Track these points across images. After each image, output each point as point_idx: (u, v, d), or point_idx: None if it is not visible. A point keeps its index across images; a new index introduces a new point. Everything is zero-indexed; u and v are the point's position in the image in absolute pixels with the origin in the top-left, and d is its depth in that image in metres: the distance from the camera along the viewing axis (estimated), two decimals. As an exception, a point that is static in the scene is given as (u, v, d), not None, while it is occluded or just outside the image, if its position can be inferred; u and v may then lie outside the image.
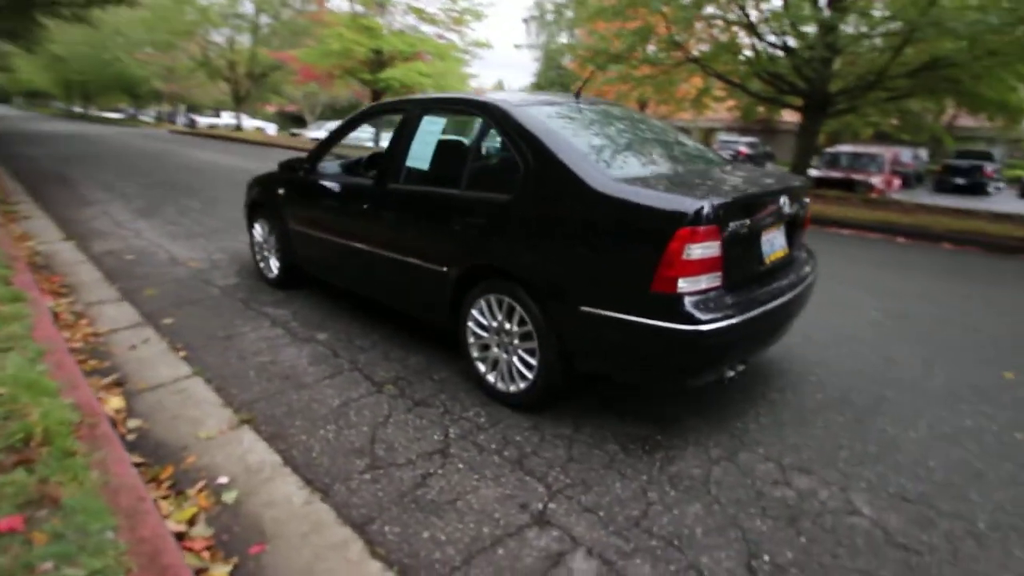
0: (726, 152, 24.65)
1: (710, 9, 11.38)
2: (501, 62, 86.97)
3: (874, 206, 11.07)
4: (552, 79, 37.94)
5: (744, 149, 25.81)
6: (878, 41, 10.40)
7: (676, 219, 2.19)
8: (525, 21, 39.42)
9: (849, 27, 10.43)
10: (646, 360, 2.37)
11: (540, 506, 2.13)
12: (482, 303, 2.82)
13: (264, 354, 3.37)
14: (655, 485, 2.27)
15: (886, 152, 14.16)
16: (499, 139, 2.96)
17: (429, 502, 2.14)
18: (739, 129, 31.28)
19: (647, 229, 2.26)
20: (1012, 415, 2.90)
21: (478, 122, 2.96)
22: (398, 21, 20.27)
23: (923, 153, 21.85)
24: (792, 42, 10.82)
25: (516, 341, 2.72)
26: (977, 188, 18.12)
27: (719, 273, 2.30)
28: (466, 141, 3.48)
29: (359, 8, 20.27)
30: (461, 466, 2.36)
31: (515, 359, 2.74)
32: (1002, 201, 16.86)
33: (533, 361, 2.65)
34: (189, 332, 3.66)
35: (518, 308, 2.65)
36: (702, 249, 2.20)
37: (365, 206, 3.39)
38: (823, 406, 2.91)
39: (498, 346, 2.82)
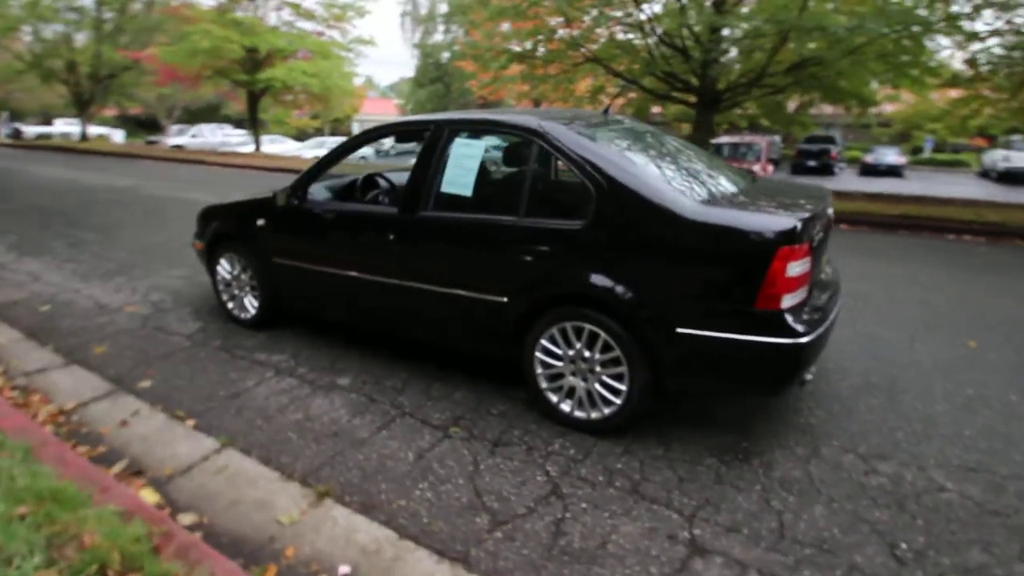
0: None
1: (599, 11, 11.84)
2: (389, 59, 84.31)
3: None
4: (433, 76, 37.49)
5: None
6: (756, 42, 11.50)
7: (777, 239, 2.29)
8: (402, 16, 38.40)
9: (730, 30, 11.43)
10: (747, 374, 2.45)
11: (687, 535, 2.14)
12: (554, 332, 2.75)
13: (291, 410, 3.01)
14: (772, 493, 2.37)
15: (762, 141, 15.74)
16: (543, 163, 2.87)
17: (580, 551, 2.06)
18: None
19: (747, 250, 2.33)
20: (998, 379, 3.39)
21: (529, 146, 2.85)
22: (272, 17, 18.83)
23: (777, 139, 24.61)
24: (683, 43, 11.61)
25: (599, 368, 2.68)
26: (826, 169, 20.83)
27: (807, 286, 2.44)
28: (496, 163, 3.35)
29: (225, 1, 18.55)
30: (584, 505, 2.30)
31: (596, 386, 2.70)
32: (847, 180, 19.58)
33: (621, 386, 2.63)
34: (181, 395, 3.17)
35: (603, 335, 2.61)
36: (800, 266, 2.32)
37: (391, 236, 3.13)
38: (857, 392, 3.20)
39: (574, 374, 2.76)
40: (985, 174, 21.22)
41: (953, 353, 3.77)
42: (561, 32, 12.28)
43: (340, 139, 26.45)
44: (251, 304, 4.03)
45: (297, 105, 22.21)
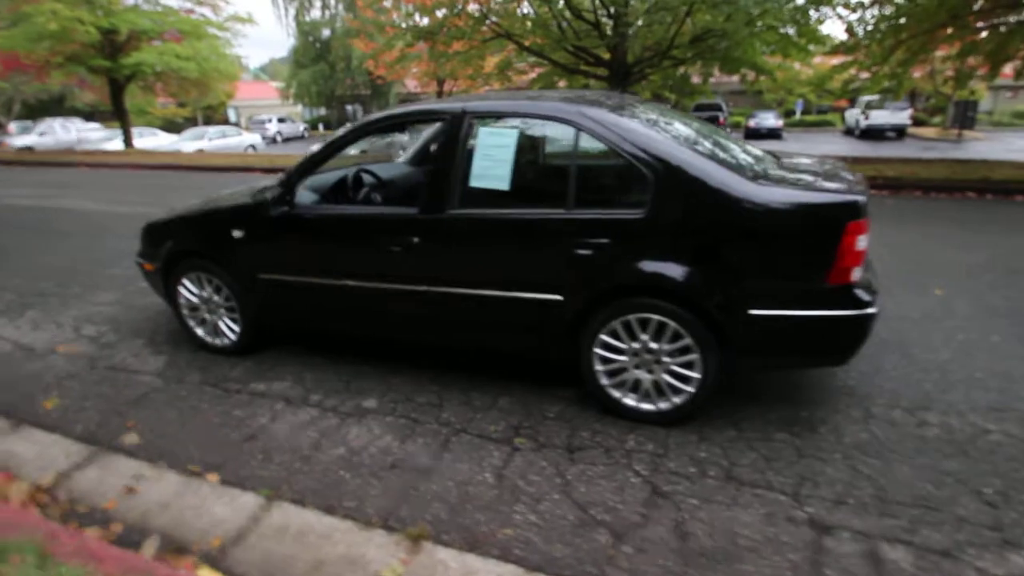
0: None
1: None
2: (260, 39, 77.54)
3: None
4: (315, 56, 35.19)
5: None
6: (661, 15, 11.85)
7: (846, 214, 2.33)
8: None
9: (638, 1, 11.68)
10: (820, 347, 2.50)
11: (802, 514, 2.15)
12: (615, 326, 2.64)
13: (327, 446, 2.68)
14: (854, 459, 2.45)
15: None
16: (586, 151, 2.71)
17: (715, 551, 2.01)
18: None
19: (819, 227, 2.35)
20: (976, 324, 3.76)
21: (568, 134, 2.67)
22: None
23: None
24: (596, 17, 11.71)
25: (667, 358, 2.62)
26: (772, 134, 22.45)
27: (866, 258, 2.52)
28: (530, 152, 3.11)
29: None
30: (693, 501, 2.25)
31: (665, 376, 2.65)
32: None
33: (693, 373, 2.59)
34: (183, 446, 2.72)
35: (671, 324, 2.55)
36: (864, 239, 2.38)
37: (415, 240, 2.84)
38: (877, 350, 3.39)
39: (638, 367, 2.68)
40: (849, 132, 23.72)
41: (929, 302, 4.14)
42: (472, 6, 11.90)
43: (224, 128, 24.25)
44: (228, 328, 3.54)
45: (171, 93, 19.88)
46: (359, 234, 3.03)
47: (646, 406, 2.72)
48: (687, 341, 2.55)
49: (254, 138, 24.51)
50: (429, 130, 4.27)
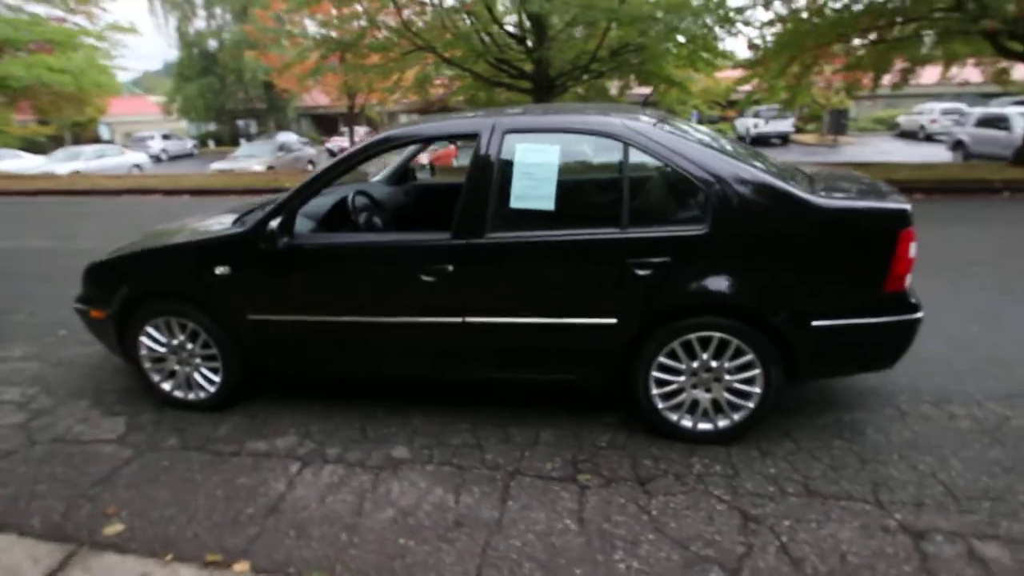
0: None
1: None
2: (140, 51, 70.79)
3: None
4: (201, 68, 32.75)
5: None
6: (585, 29, 12.18)
7: (899, 222, 2.38)
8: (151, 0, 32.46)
9: (558, 16, 11.90)
10: (874, 352, 2.54)
11: (893, 522, 2.15)
12: (674, 346, 2.54)
13: (372, 510, 2.34)
14: (912, 458, 2.50)
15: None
16: (635, 167, 2.58)
17: (833, 573, 1.94)
18: (418, 110, 32.58)
19: (876, 236, 2.39)
20: (961, 312, 4.07)
21: (615, 150, 2.54)
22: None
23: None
24: (523, 31, 11.80)
25: (727, 375, 2.55)
26: None
27: None
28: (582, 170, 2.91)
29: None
30: (787, 522, 2.17)
31: (724, 393, 2.58)
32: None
33: (754, 389, 2.54)
34: (187, 530, 2.27)
35: (734, 341, 2.48)
36: (914, 245, 2.45)
37: (449, 268, 2.58)
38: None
39: (695, 386, 2.60)
40: (741, 139, 25.68)
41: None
42: (390, 18, 11.56)
43: (102, 147, 21.72)
44: (206, 380, 3.05)
45: (40, 110, 17.52)
46: (382, 264, 2.71)
47: (704, 426, 2.63)
48: (749, 357, 2.50)
49: (139, 157, 22.23)
50: (409, 149, 3.97)
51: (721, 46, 12.18)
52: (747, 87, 13.38)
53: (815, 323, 2.43)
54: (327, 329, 2.80)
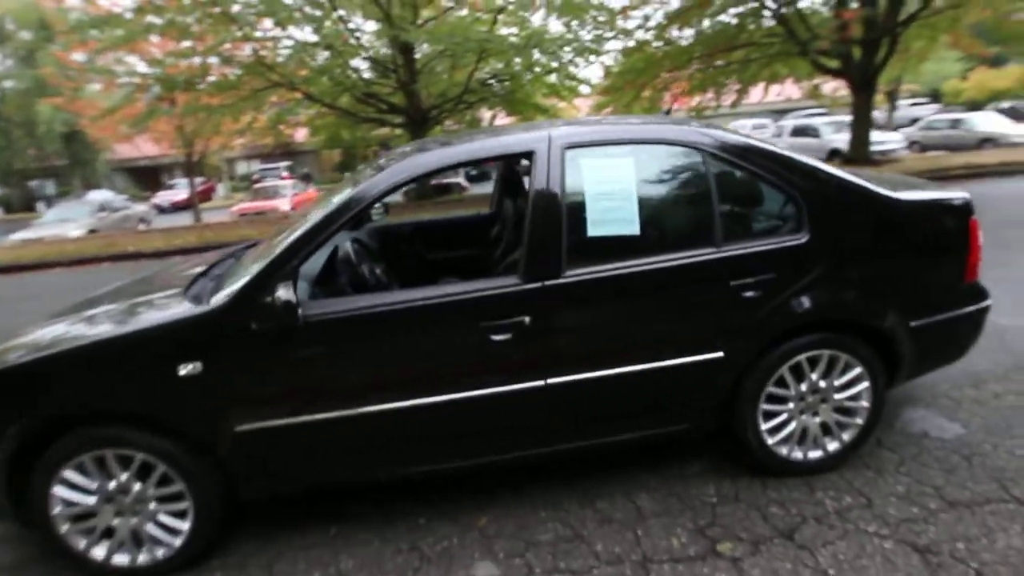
0: (271, 179, 23.55)
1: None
2: None
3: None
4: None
5: (286, 174, 25.33)
6: (450, 62, 12.02)
7: (969, 210, 2.36)
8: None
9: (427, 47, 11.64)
10: (956, 344, 2.48)
11: (1056, 522, 2.05)
12: (783, 372, 2.26)
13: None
14: (1007, 445, 2.47)
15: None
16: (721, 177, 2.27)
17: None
18: (261, 156, 30.05)
19: (954, 226, 2.34)
20: None
21: (687, 160, 2.22)
22: None
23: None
24: (395, 65, 11.31)
25: (836, 394, 2.32)
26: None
27: None
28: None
29: None
30: (960, 545, 1.97)
31: (833, 414, 2.35)
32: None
33: (861, 403, 2.33)
34: None
35: (843, 356, 2.27)
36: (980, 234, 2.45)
37: (526, 320, 2.04)
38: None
39: (804, 411, 2.34)
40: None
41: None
42: (244, 50, 10.40)
43: None
44: (166, 530, 2.12)
45: None
46: (435, 328, 2.07)
47: (815, 454, 2.38)
48: (857, 370, 2.30)
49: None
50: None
51: (581, 74, 12.80)
52: (606, 112, 14.19)
53: (913, 324, 2.31)
54: (360, 424, 2.08)
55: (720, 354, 2.19)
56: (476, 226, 3.62)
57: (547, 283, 2.07)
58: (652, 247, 2.17)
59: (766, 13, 11.20)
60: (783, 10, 10.67)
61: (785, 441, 2.35)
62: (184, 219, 17.79)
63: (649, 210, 2.18)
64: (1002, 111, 18.25)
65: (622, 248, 2.14)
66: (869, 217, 2.26)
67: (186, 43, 10.44)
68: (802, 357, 2.25)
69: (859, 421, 2.37)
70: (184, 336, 2.00)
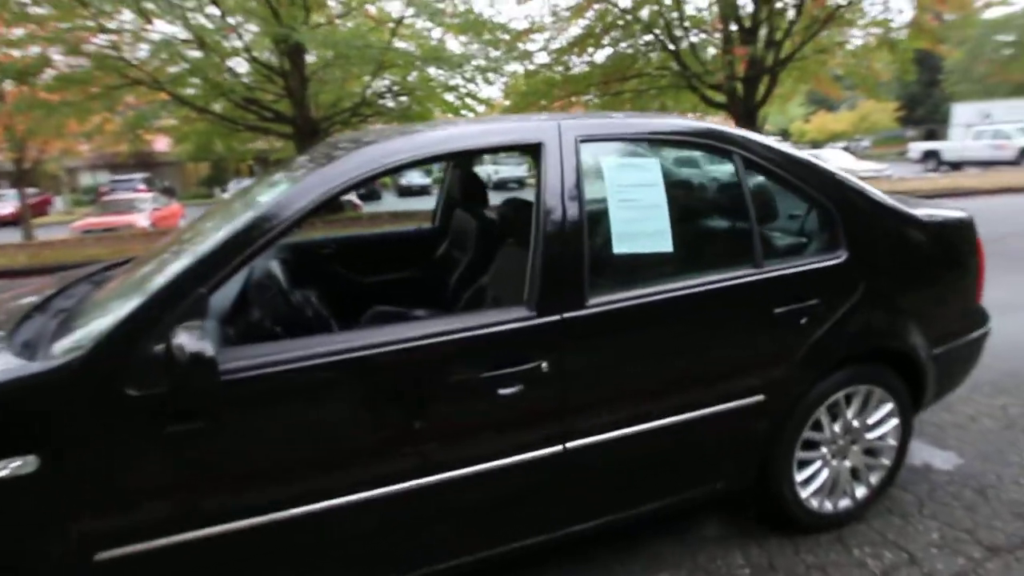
0: (124, 191, 20.67)
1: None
2: None
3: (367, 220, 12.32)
4: None
5: (143, 186, 22.44)
6: (343, 71, 11.18)
7: (974, 227, 2.24)
8: None
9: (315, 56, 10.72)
10: (965, 368, 2.32)
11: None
12: (819, 413, 1.94)
13: None
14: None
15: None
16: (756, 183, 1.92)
17: None
18: (112, 167, 26.31)
19: (967, 245, 2.20)
20: None
21: (715, 163, 1.85)
22: None
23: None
24: (282, 67, 10.27)
25: (867, 434, 2.05)
26: (373, 194, 22.84)
27: None
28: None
29: None
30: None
31: (863, 456, 2.07)
32: (393, 202, 21.78)
33: (889, 442, 2.09)
34: None
35: (877, 391, 2.00)
36: (982, 255, 2.34)
37: (543, 365, 1.52)
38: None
39: (835, 457, 2.04)
40: (483, 184, 27.33)
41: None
42: (97, 41, 8.84)
43: None
44: None
45: None
46: (416, 383, 1.48)
47: (844, 503, 2.08)
48: (889, 405, 2.05)
49: None
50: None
51: (482, 94, 12.56)
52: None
53: (936, 351, 2.12)
54: (310, 531, 1.42)
55: (760, 397, 1.82)
56: (417, 244, 3.03)
57: (567, 315, 1.57)
58: (686, 267, 1.76)
59: (658, 47, 11.73)
60: (673, 46, 11.23)
61: (818, 492, 2.03)
62: (10, 236, 14.82)
63: (678, 222, 1.77)
64: (843, 149, 20.87)
65: (652, 269, 1.71)
66: (898, 234, 2.04)
67: (18, 30, 8.68)
68: (840, 395, 1.96)
69: (885, 462, 2.12)
70: (7, 411, 1.24)
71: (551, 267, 1.58)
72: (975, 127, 20.26)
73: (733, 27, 11.07)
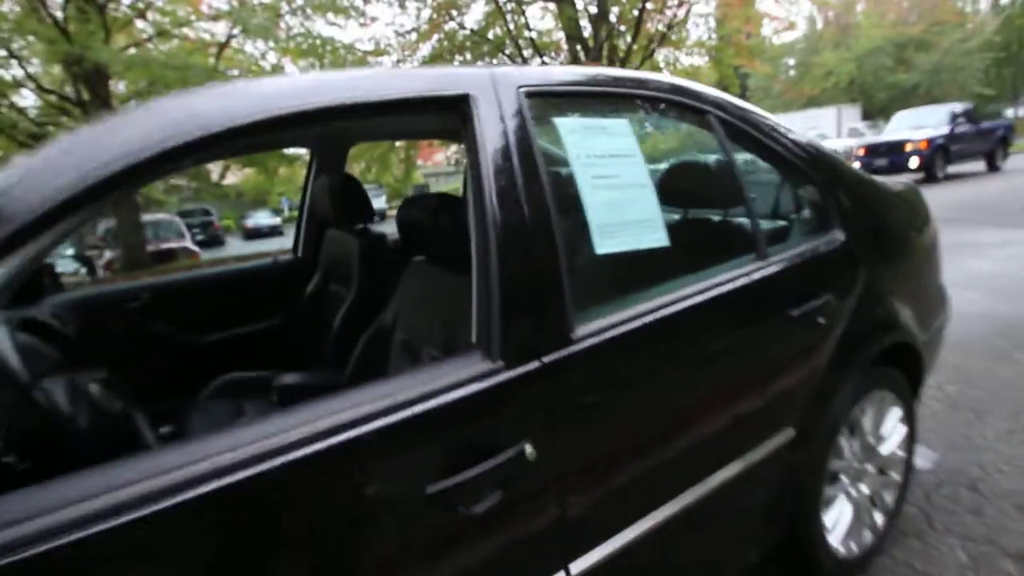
0: None
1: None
2: None
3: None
4: None
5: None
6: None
7: (923, 196, 2.05)
8: None
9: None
10: (936, 356, 2.09)
11: None
12: (842, 434, 1.54)
13: None
14: None
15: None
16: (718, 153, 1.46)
17: None
18: None
19: (926, 214, 1.98)
20: None
21: (704, 126, 1.38)
22: None
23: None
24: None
25: (881, 450, 1.70)
26: (215, 240, 20.48)
27: None
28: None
29: None
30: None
31: (871, 486, 1.71)
32: (239, 246, 19.66)
33: (900, 453, 1.76)
34: None
35: (888, 396, 1.66)
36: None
37: (527, 448, 0.90)
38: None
39: (853, 482, 1.65)
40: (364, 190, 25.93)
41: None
42: None
43: None
44: None
45: None
46: (327, 508, 0.78)
47: (867, 537, 1.70)
48: (896, 411, 1.72)
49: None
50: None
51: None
52: (358, 167, 13.23)
53: (923, 338, 1.84)
54: None
55: (790, 431, 1.36)
56: (276, 281, 2.26)
57: (549, 359, 0.97)
58: (686, 267, 1.25)
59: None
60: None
61: (845, 534, 1.62)
62: None
63: (677, 201, 1.28)
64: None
65: (644, 272, 1.19)
66: (883, 207, 1.75)
67: None
68: (857, 408, 1.58)
69: (896, 477, 1.79)
70: None
71: (512, 286, 0.97)
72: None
73: (578, 47, 11.43)
